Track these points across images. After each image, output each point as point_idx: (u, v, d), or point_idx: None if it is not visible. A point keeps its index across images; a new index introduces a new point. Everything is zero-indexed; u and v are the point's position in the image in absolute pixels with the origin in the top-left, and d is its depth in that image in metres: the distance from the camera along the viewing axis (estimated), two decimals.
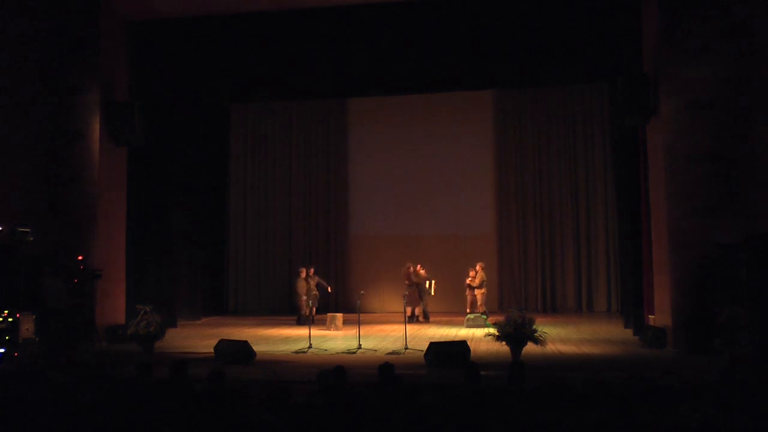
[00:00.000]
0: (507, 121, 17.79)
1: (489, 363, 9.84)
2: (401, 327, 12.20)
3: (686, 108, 11.45)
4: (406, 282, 15.84)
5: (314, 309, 15.46)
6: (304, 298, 15.46)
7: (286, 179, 18.70)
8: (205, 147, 17.68)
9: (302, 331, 13.32)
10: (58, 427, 5.57)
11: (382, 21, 14.06)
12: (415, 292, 15.67)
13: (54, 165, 13.14)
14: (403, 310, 13.31)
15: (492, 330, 10.97)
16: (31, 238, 11.13)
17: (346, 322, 14.69)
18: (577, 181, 17.27)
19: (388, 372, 6.35)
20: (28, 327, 10.55)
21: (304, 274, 15.88)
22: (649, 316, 12.85)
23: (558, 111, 17.38)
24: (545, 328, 11.14)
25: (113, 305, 13.66)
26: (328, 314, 15.08)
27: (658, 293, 12.37)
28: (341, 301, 17.92)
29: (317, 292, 15.93)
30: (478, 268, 15.48)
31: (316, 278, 16.14)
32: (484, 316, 14.72)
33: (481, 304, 15.28)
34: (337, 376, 6.26)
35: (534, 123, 17.50)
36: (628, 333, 13.19)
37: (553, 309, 17.16)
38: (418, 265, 16.11)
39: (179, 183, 16.34)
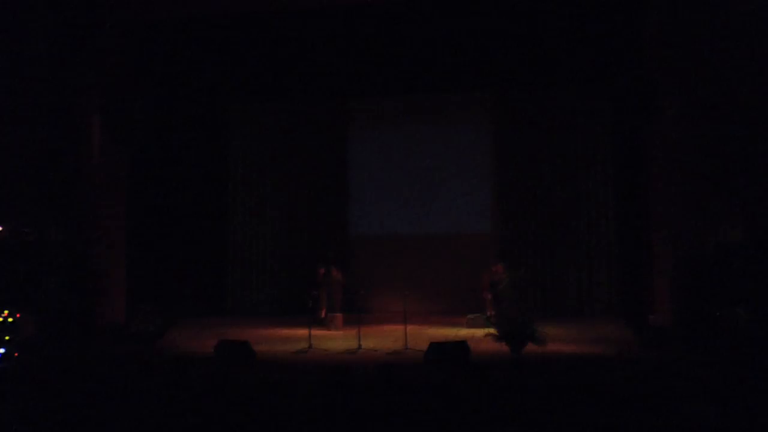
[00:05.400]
0: (508, 121, 17.74)
1: (489, 363, 9.85)
2: (401, 327, 12.20)
3: (687, 109, 11.46)
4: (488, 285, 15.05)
5: (323, 310, 15.26)
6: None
7: (285, 179, 18.67)
8: (205, 146, 17.66)
9: (302, 331, 13.32)
10: (58, 426, 5.57)
11: (382, 21, 14.05)
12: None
13: (54, 165, 13.13)
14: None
15: (492, 330, 10.97)
16: (31, 238, 11.13)
17: (346, 322, 14.68)
18: (578, 181, 17.24)
19: (388, 372, 6.36)
20: (28, 327, 10.55)
21: (323, 273, 15.66)
22: (649, 316, 12.84)
23: (559, 112, 17.33)
24: (545, 328, 11.14)
25: (113, 305, 13.66)
26: (328, 314, 15.07)
27: (658, 293, 12.37)
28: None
29: (337, 291, 15.41)
30: (500, 269, 15.17)
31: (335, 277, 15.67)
32: (484, 317, 14.70)
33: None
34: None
35: (535, 123, 17.46)
36: (629, 333, 13.18)
37: (553, 309, 17.14)
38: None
39: (179, 183, 16.33)
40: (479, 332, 12.64)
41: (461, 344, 10.40)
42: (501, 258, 15.84)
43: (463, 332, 13.65)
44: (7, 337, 10.19)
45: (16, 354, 10.21)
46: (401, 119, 18.17)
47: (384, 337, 13.14)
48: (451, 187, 17.83)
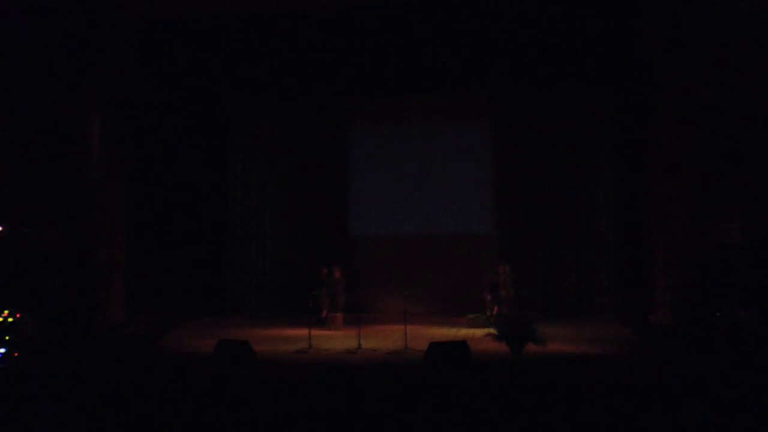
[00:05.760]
0: (507, 121, 17.73)
1: (489, 363, 9.86)
2: (401, 327, 12.20)
3: (686, 108, 11.46)
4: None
5: (325, 310, 15.26)
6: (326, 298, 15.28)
7: (285, 179, 18.66)
8: (205, 146, 17.66)
9: (302, 331, 13.32)
10: (59, 425, 5.57)
11: (382, 21, 14.05)
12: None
13: (54, 165, 13.13)
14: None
15: (492, 330, 10.96)
16: (31, 238, 11.13)
17: (346, 322, 14.68)
18: (578, 180, 17.24)
19: (388, 372, 6.35)
20: (28, 327, 10.55)
21: (326, 272, 15.67)
22: (649, 316, 12.85)
23: (559, 111, 17.32)
24: (545, 328, 11.14)
25: (113, 305, 13.65)
26: (329, 314, 15.07)
27: (658, 293, 12.37)
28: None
29: (339, 292, 15.36)
30: (507, 269, 15.10)
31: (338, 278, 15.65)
32: (484, 317, 14.70)
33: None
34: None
35: (535, 123, 17.45)
36: (628, 333, 13.18)
37: (553, 309, 17.15)
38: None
39: (179, 182, 16.33)
40: (479, 332, 12.64)
41: (461, 344, 10.40)
42: (506, 259, 15.77)
43: (463, 332, 13.64)
44: (7, 337, 10.19)
45: (16, 354, 10.21)
46: (401, 119, 18.17)
47: (384, 337, 13.14)
48: (451, 187, 17.83)
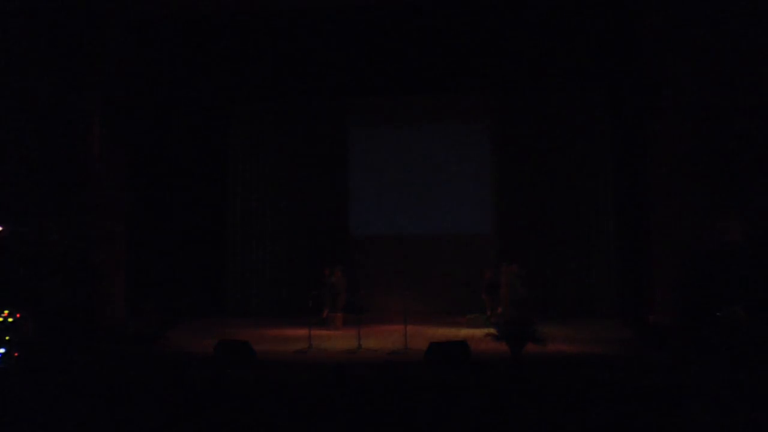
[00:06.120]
0: (507, 121, 17.75)
1: (489, 363, 9.86)
2: (401, 327, 12.20)
3: (686, 109, 11.46)
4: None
5: (326, 310, 15.27)
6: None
7: (285, 179, 18.67)
8: (205, 146, 17.66)
9: (302, 331, 13.32)
10: (58, 425, 5.57)
11: (382, 21, 14.06)
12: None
13: (54, 165, 13.13)
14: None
15: (492, 330, 10.97)
16: (32, 238, 11.13)
17: (346, 322, 14.68)
18: (578, 181, 17.26)
19: (388, 372, 6.36)
20: (28, 327, 10.55)
21: (328, 273, 15.69)
22: (649, 316, 12.85)
23: (559, 112, 17.33)
24: (545, 328, 11.14)
25: (113, 305, 13.66)
26: (329, 314, 15.07)
27: (659, 293, 12.37)
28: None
29: (339, 292, 15.40)
30: (515, 269, 15.10)
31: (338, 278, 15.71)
32: (484, 317, 14.69)
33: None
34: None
35: (535, 123, 17.46)
36: (629, 333, 13.18)
37: (554, 309, 17.16)
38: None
39: (179, 183, 16.33)
40: (479, 332, 12.64)
41: (461, 344, 10.40)
42: (511, 258, 15.72)
43: (463, 332, 13.64)
44: (7, 337, 10.20)
45: (16, 354, 10.21)
46: (401, 119, 18.17)
47: (384, 337, 13.14)
48: (451, 187, 17.83)
